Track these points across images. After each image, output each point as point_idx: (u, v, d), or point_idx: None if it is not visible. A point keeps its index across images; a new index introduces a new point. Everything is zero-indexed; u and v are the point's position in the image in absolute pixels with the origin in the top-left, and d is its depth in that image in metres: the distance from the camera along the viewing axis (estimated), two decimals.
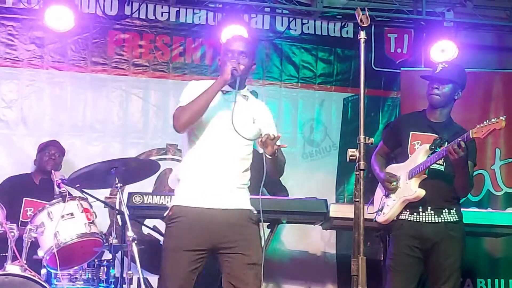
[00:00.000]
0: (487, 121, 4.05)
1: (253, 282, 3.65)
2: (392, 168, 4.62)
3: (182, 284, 3.64)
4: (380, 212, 4.59)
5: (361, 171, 3.21)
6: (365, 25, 3.30)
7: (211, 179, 3.69)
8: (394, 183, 4.50)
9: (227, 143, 3.71)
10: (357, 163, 3.24)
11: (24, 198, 5.64)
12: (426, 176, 4.41)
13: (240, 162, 3.76)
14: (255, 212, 3.78)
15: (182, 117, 3.68)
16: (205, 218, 3.65)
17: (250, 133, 3.74)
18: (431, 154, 4.36)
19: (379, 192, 4.70)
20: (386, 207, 4.54)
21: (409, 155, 4.51)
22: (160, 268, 3.75)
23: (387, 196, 4.57)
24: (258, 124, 3.80)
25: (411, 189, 4.41)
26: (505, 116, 4.03)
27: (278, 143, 3.61)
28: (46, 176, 5.62)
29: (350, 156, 3.25)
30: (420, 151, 4.44)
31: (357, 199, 3.21)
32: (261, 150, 3.70)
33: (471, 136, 4.10)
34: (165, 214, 3.80)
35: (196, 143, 3.76)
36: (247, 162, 3.80)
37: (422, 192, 4.38)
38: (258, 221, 3.76)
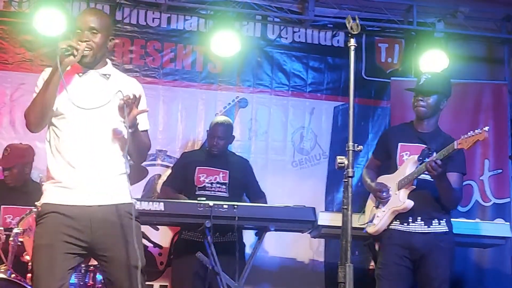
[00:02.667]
0: (471, 132, 4.08)
1: (128, 286, 3.34)
2: (382, 179, 4.64)
3: (60, 281, 3.29)
4: (370, 223, 4.61)
5: (350, 178, 3.22)
6: (355, 33, 3.32)
7: (77, 172, 3.34)
8: (385, 193, 4.51)
9: (91, 127, 3.37)
10: (346, 170, 3.25)
11: (2, 206, 5.48)
12: (415, 187, 4.42)
13: (109, 146, 3.41)
14: (135, 204, 3.45)
15: (29, 116, 3.35)
16: (76, 215, 3.32)
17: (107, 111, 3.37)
18: (419, 164, 4.38)
19: (370, 203, 4.71)
20: (376, 218, 4.56)
21: (398, 166, 4.53)
22: (32, 267, 3.40)
23: (377, 207, 4.59)
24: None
25: (400, 200, 4.44)
26: (488, 128, 4.09)
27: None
28: (21, 183, 5.56)
29: (339, 163, 3.26)
30: (408, 162, 4.47)
31: (345, 207, 3.21)
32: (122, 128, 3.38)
33: (455, 147, 4.14)
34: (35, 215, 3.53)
35: (56, 132, 3.41)
36: (117, 147, 3.43)
37: (410, 203, 4.40)
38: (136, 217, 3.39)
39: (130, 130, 3.30)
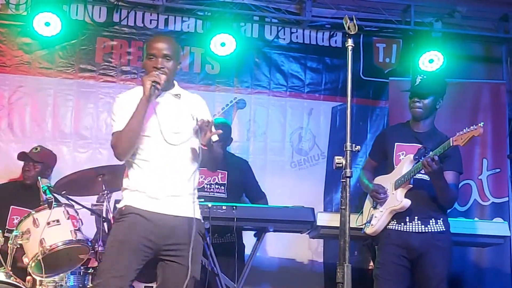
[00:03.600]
0: (467, 128, 4.09)
1: None
2: (379, 180, 4.65)
3: (121, 280, 3.50)
4: (368, 224, 4.61)
5: (347, 179, 3.22)
6: (352, 33, 3.32)
7: (159, 185, 3.62)
8: (382, 195, 4.51)
9: (176, 148, 3.65)
10: (343, 171, 3.25)
11: (11, 206, 5.58)
12: (412, 186, 4.43)
13: (189, 165, 3.70)
14: (203, 222, 3.79)
15: (120, 147, 3.61)
16: (155, 220, 3.59)
17: (187, 132, 3.69)
18: (416, 163, 4.38)
19: (367, 204, 4.72)
20: (374, 219, 4.56)
21: (395, 166, 4.54)
22: (101, 260, 3.64)
23: (375, 207, 4.59)
24: (198, 117, 3.73)
25: (397, 199, 4.44)
26: (482, 123, 4.11)
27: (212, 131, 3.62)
28: (32, 185, 5.57)
29: (337, 163, 3.26)
30: (404, 162, 4.48)
31: (343, 207, 3.21)
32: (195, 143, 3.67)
33: (451, 144, 4.15)
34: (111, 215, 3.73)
35: (138, 151, 3.67)
36: (192, 163, 3.72)
37: (407, 202, 4.41)
38: (205, 234, 3.79)
39: (204, 147, 3.62)
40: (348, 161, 3.25)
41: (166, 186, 3.62)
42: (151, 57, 3.68)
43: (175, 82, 3.83)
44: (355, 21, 3.34)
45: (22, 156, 5.73)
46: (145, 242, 3.55)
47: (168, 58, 3.68)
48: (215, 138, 3.71)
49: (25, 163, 5.71)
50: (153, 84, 3.56)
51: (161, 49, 3.68)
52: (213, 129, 3.64)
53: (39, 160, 5.68)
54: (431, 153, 4.28)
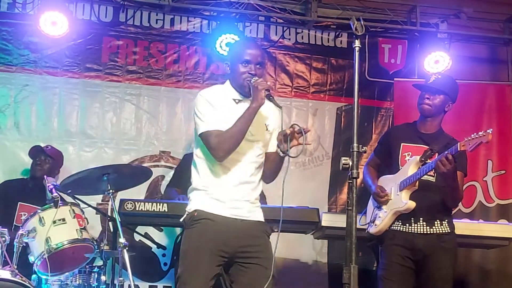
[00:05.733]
0: (475, 134, 4.06)
1: None
2: (384, 180, 4.64)
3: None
4: (372, 224, 4.61)
5: (354, 179, 3.21)
6: (359, 34, 3.31)
7: (231, 190, 3.66)
8: (384, 198, 4.51)
9: (247, 154, 3.70)
10: (350, 171, 3.25)
11: (19, 203, 5.63)
12: (417, 188, 4.42)
13: (257, 173, 3.76)
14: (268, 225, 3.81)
15: (225, 148, 3.60)
16: (229, 225, 3.63)
17: (266, 141, 3.77)
18: (422, 165, 4.37)
19: (371, 203, 4.71)
20: (378, 219, 4.55)
21: (400, 167, 4.53)
22: (179, 269, 3.65)
23: (378, 207, 4.58)
24: (270, 128, 3.82)
25: (402, 200, 4.43)
26: (491, 130, 4.06)
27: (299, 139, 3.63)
28: (40, 182, 5.60)
29: (343, 164, 3.26)
30: (410, 163, 4.46)
31: (350, 207, 3.21)
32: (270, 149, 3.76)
33: (458, 149, 4.12)
34: (182, 219, 3.72)
35: None
36: (260, 171, 3.79)
37: (412, 204, 4.40)
38: (269, 235, 3.79)
39: (282, 155, 3.68)
40: (355, 162, 3.25)
41: (238, 191, 3.67)
42: (245, 63, 3.68)
43: None
44: (362, 22, 3.34)
45: (35, 150, 5.80)
46: (221, 247, 3.60)
47: (259, 65, 3.71)
48: (292, 152, 3.68)
49: (36, 158, 5.77)
50: (268, 93, 3.61)
51: (257, 55, 3.72)
52: (302, 139, 3.62)
53: (51, 155, 5.77)
54: (437, 155, 4.27)
